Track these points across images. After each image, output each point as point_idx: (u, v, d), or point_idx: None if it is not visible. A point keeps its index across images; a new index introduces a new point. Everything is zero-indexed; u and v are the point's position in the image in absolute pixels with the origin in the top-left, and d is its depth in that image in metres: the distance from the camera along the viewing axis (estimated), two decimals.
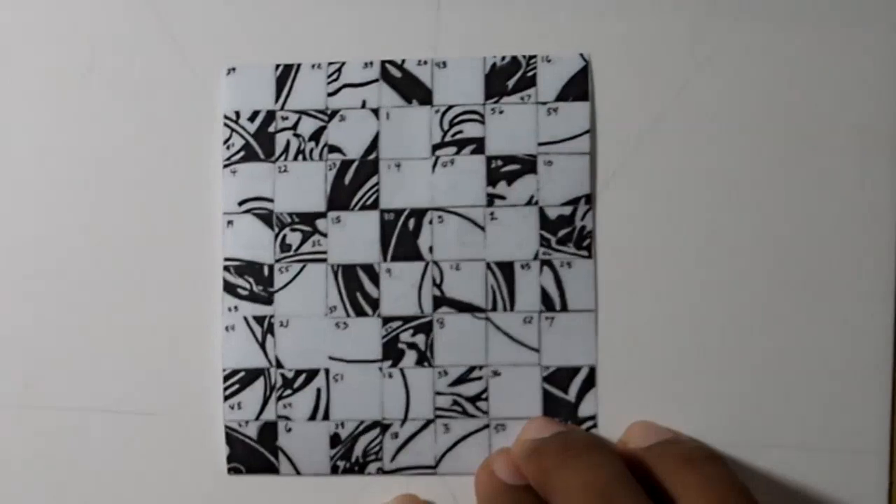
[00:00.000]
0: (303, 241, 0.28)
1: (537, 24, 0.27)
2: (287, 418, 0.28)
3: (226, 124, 0.28)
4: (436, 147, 0.28)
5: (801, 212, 0.27)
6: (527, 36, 0.27)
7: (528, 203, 0.27)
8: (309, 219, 0.28)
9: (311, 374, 0.28)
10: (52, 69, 0.28)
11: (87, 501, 0.28)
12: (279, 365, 0.28)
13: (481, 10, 0.27)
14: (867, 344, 0.26)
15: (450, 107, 0.28)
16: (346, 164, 0.28)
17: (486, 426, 0.27)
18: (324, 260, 0.28)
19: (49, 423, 0.28)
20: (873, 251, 0.26)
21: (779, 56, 0.27)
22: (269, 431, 0.28)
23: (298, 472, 0.28)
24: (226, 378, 0.28)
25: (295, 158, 0.28)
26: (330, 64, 0.28)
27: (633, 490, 0.23)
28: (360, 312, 0.28)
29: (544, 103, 0.27)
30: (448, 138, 0.27)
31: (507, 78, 0.27)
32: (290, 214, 0.28)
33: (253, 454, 0.28)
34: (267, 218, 0.28)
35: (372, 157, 0.28)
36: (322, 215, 0.28)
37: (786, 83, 0.27)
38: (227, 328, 0.28)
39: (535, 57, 0.27)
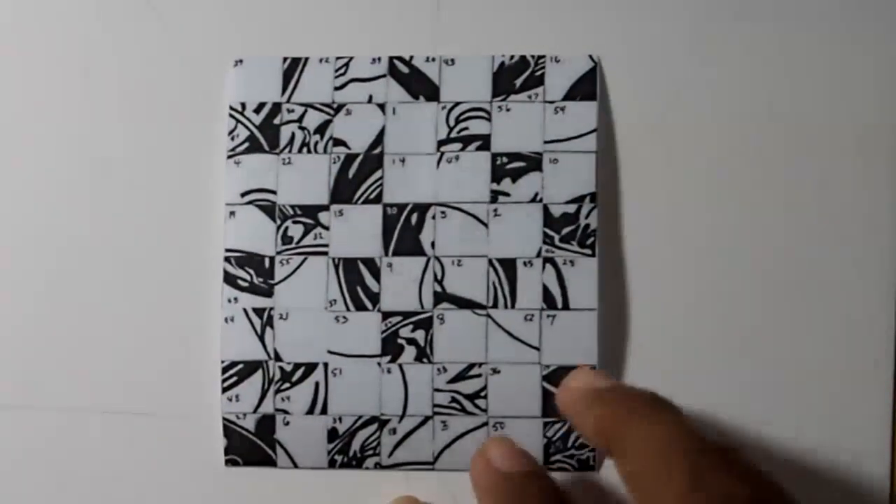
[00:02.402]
0: (304, 234, 0.28)
1: (546, 24, 0.28)
2: (285, 411, 0.27)
3: (231, 115, 0.28)
4: (441, 143, 0.28)
5: (802, 212, 0.27)
6: (536, 36, 0.28)
7: (533, 200, 0.27)
8: (311, 211, 0.28)
9: (310, 368, 0.27)
10: (54, 58, 0.28)
11: (87, 492, 0.27)
12: (278, 358, 0.27)
13: (492, 9, 0.28)
14: (867, 344, 0.27)
15: (456, 103, 0.28)
16: (350, 158, 0.28)
17: (485, 424, 0.27)
18: (325, 253, 0.27)
19: (50, 419, 0.28)
20: (873, 251, 0.27)
21: (779, 56, 0.27)
22: (266, 424, 0.27)
23: (296, 466, 0.27)
24: (224, 370, 0.27)
25: (299, 151, 0.28)
26: (338, 58, 0.28)
27: (718, 455, 0.20)
28: (360, 307, 0.27)
29: (552, 102, 0.27)
30: (454, 134, 0.28)
31: (515, 77, 0.28)
32: (293, 207, 0.28)
33: (250, 446, 0.27)
34: (269, 210, 0.28)
35: (377, 151, 0.28)
36: (325, 208, 0.28)
37: (787, 83, 0.27)
38: (226, 319, 0.27)
39: (543, 57, 0.28)
